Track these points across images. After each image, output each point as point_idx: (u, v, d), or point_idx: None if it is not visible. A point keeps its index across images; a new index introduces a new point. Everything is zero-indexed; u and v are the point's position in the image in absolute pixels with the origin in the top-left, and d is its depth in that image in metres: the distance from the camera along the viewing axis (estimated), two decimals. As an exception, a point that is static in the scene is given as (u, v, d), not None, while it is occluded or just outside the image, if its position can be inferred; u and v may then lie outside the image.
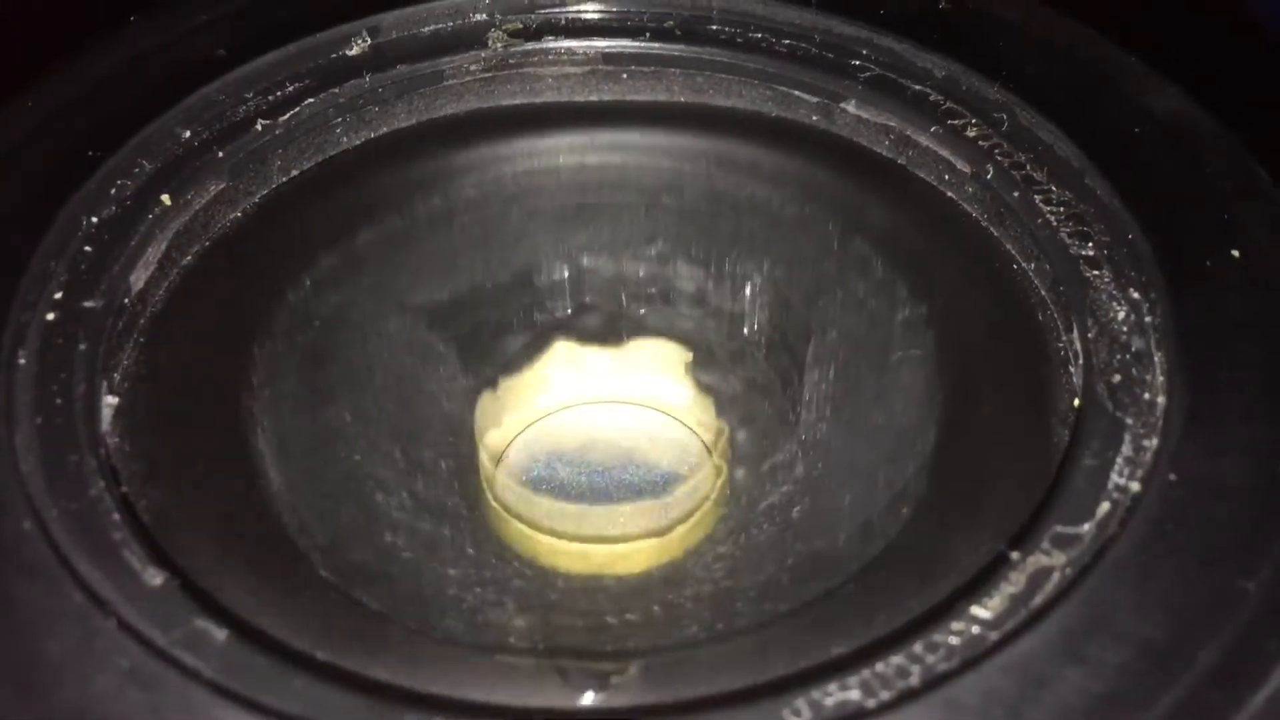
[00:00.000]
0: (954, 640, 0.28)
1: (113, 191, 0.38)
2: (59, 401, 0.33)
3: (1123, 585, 0.28)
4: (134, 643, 0.28)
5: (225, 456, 0.35)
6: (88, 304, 0.35)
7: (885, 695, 0.27)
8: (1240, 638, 0.27)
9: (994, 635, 0.28)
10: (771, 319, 0.44)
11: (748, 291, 0.44)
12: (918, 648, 0.28)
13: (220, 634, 0.28)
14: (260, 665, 0.28)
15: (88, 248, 0.36)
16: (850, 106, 0.42)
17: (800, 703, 0.27)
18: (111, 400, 0.34)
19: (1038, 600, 0.29)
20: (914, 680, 0.27)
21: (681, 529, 0.41)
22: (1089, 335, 0.34)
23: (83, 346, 0.34)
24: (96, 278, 0.36)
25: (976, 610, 0.28)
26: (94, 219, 0.37)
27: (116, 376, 0.35)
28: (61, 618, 0.28)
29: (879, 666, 0.28)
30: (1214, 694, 0.26)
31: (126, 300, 0.36)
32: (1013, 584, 0.29)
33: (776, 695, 0.27)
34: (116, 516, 0.30)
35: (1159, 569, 0.29)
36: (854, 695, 0.27)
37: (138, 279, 0.37)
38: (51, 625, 0.28)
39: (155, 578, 0.29)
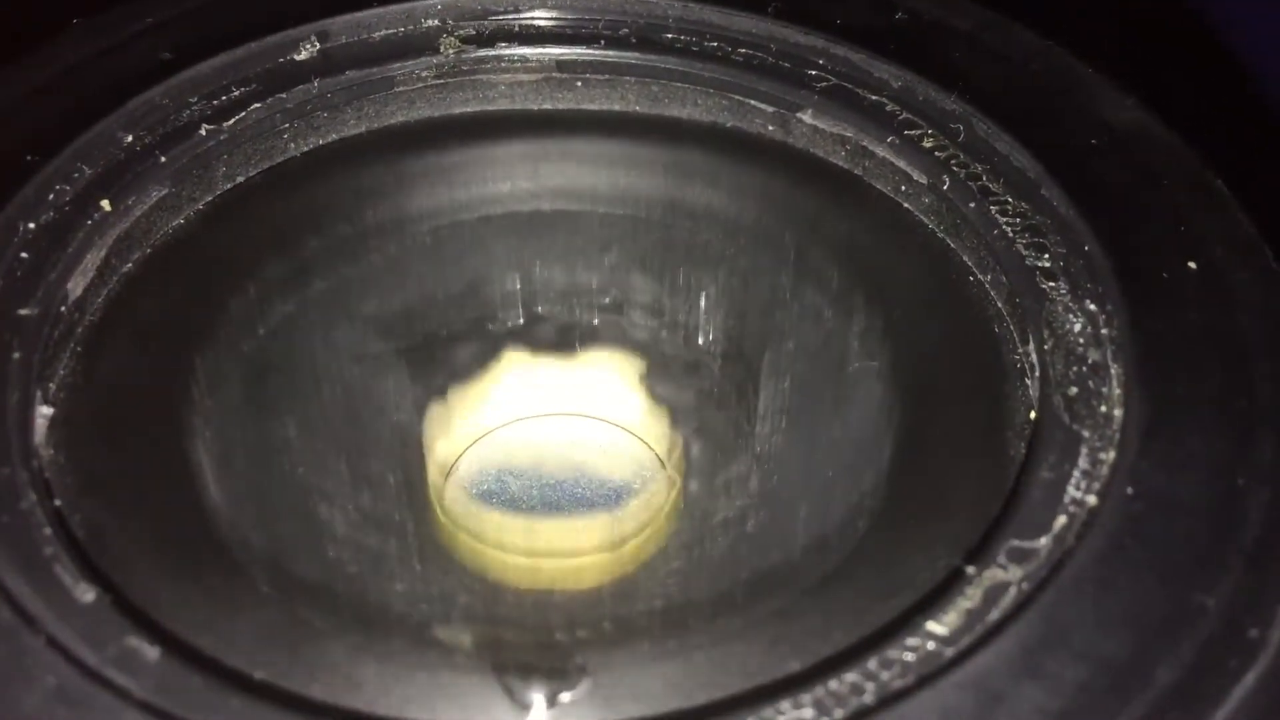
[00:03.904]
0: (909, 656, 0.28)
1: (51, 197, 0.37)
2: (-9, 412, 0.32)
3: (1080, 601, 0.28)
4: (63, 661, 0.27)
5: (164, 469, 0.35)
6: (23, 311, 0.34)
7: (839, 713, 0.27)
8: (1199, 654, 0.27)
9: (950, 651, 0.28)
10: (726, 330, 0.43)
11: (702, 303, 0.43)
12: (872, 664, 0.27)
13: (153, 652, 0.27)
14: (194, 685, 0.27)
15: (24, 254, 0.35)
16: (806, 116, 0.42)
17: (752, 721, 0.27)
18: (46, 411, 0.33)
19: (994, 615, 0.28)
20: (868, 698, 0.27)
21: (634, 543, 0.40)
22: (1045, 347, 0.34)
23: (17, 355, 0.33)
24: (33, 284, 0.35)
25: (932, 626, 0.28)
26: (31, 224, 0.36)
27: (52, 386, 0.34)
28: (-12, 635, 0.27)
29: (833, 684, 0.27)
30: (1173, 711, 0.26)
31: (63, 308, 0.35)
32: (969, 599, 0.29)
33: (728, 714, 0.27)
34: (48, 531, 0.30)
35: (1117, 584, 0.28)
36: (807, 714, 0.27)
37: (75, 286, 0.36)
38: (-23, 642, 0.27)
39: (87, 594, 0.28)
